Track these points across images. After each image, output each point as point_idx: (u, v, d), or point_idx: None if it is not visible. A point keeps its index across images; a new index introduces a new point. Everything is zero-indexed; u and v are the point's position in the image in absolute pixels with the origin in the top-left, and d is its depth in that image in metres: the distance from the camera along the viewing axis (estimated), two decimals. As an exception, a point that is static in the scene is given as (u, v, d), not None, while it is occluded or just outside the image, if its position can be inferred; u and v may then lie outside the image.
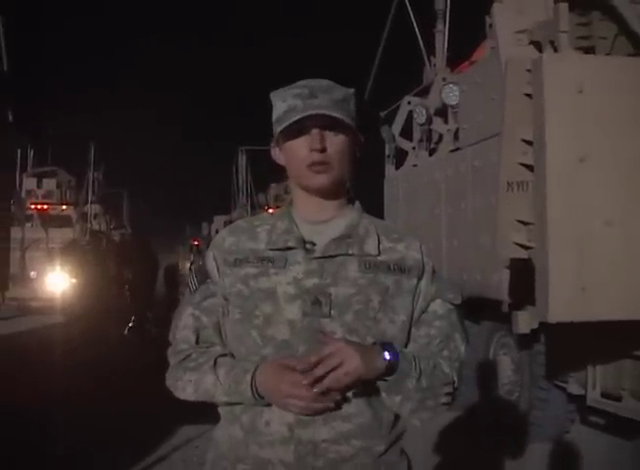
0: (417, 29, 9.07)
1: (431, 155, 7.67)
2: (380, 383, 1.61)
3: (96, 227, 24.34)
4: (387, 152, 8.51)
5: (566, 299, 4.38)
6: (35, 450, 5.36)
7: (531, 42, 5.35)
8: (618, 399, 5.09)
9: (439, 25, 8.78)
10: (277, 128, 1.70)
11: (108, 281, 16.60)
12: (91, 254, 17.96)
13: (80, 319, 14.48)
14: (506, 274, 5.37)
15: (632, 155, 4.46)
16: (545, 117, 4.42)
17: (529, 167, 4.67)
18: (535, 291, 4.53)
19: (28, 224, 21.69)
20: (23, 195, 23.89)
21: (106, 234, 23.42)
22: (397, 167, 8.37)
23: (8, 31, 6.69)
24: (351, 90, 1.74)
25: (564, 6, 4.73)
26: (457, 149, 6.71)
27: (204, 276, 1.76)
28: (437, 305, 1.73)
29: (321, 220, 1.73)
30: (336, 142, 1.67)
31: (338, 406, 1.57)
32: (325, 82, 1.70)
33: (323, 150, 1.65)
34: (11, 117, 6.66)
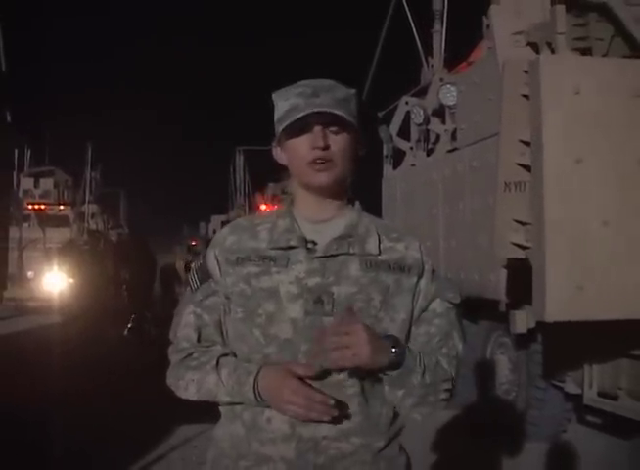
0: (414, 30, 9.10)
1: (428, 155, 7.69)
2: (383, 377, 1.63)
3: (93, 227, 24.34)
4: (384, 152, 8.52)
5: (563, 298, 4.40)
6: (33, 451, 5.36)
7: (528, 43, 5.37)
8: (615, 398, 5.11)
9: (437, 26, 8.81)
10: (279, 127, 1.70)
11: (105, 281, 16.58)
12: (89, 254, 17.94)
13: (78, 319, 14.46)
14: (503, 274, 5.39)
15: (629, 155, 4.48)
16: (542, 117, 4.44)
17: (527, 168, 4.68)
18: (533, 290, 4.55)
19: (26, 224, 21.71)
20: (21, 195, 23.89)
21: (103, 234, 23.40)
22: (395, 167, 8.40)
23: (6, 31, 6.69)
24: (353, 90, 1.74)
25: (561, 8, 4.75)
26: (455, 149, 6.73)
27: (205, 275, 1.76)
28: (437, 304, 1.75)
29: (322, 220, 1.74)
30: (338, 140, 1.68)
31: (334, 418, 1.58)
32: (327, 82, 1.71)
33: (325, 147, 1.66)
34: (9, 118, 6.66)
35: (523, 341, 5.79)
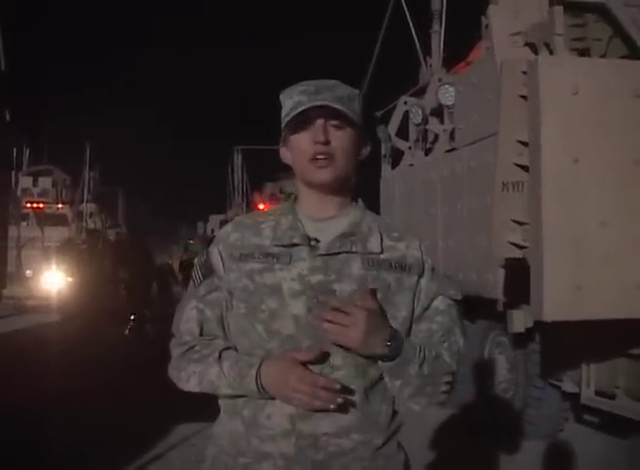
0: (413, 30, 9.12)
1: (426, 155, 7.71)
2: (383, 365, 1.65)
3: (91, 226, 24.34)
4: (383, 151, 8.53)
5: (560, 298, 4.41)
6: (31, 449, 5.37)
7: (527, 44, 5.37)
8: (612, 397, 5.12)
9: (436, 26, 8.83)
10: (283, 124, 1.73)
11: (104, 280, 16.57)
12: (87, 252, 17.93)
13: (76, 318, 14.46)
14: (501, 274, 5.41)
15: (626, 156, 4.49)
16: (540, 118, 4.45)
17: (525, 168, 4.69)
18: (530, 290, 4.56)
19: (24, 223, 21.70)
20: (19, 193, 23.87)
21: (102, 233, 23.40)
22: (393, 167, 8.41)
23: (5, 31, 6.69)
24: (357, 91, 1.76)
25: (559, 9, 4.76)
26: (453, 149, 6.75)
27: (208, 270, 1.78)
28: (439, 302, 1.77)
29: (324, 218, 1.75)
30: (340, 136, 1.69)
31: (339, 405, 1.59)
32: (331, 81, 1.73)
33: (326, 142, 1.67)
34: (8, 117, 6.67)
35: (520, 340, 5.81)
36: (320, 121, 1.68)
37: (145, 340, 12.31)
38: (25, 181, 24.90)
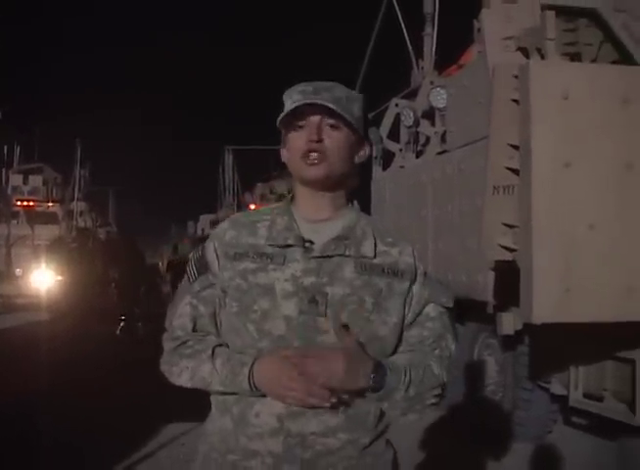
0: (405, 32, 9.15)
1: (418, 157, 7.73)
2: (370, 395, 1.65)
3: (82, 225, 24.27)
4: (374, 153, 8.53)
5: (549, 300, 4.43)
6: (20, 447, 5.35)
7: (519, 48, 5.39)
8: (600, 399, 5.15)
9: (428, 29, 8.87)
10: (279, 122, 1.75)
11: (93, 279, 16.57)
12: (77, 251, 17.91)
13: (66, 316, 14.44)
14: (491, 276, 5.43)
15: (617, 160, 4.52)
16: (531, 122, 4.47)
17: (515, 172, 4.71)
18: (520, 292, 4.58)
19: (14, 221, 21.61)
20: (10, 191, 23.78)
21: (92, 232, 23.34)
22: (384, 169, 8.43)
23: (-1, 30, 6.67)
24: (355, 93, 1.78)
25: (551, 14, 4.79)
26: (444, 151, 6.77)
27: (203, 267, 1.78)
28: (430, 308, 1.78)
29: (320, 219, 1.76)
30: (335, 136, 1.71)
31: (332, 404, 1.60)
32: (330, 83, 1.75)
33: (319, 140, 1.69)
34: (0, 115, 6.65)
35: (509, 342, 5.83)
36: (315, 120, 1.70)
37: (135, 339, 12.30)
38: (16, 179, 24.79)
